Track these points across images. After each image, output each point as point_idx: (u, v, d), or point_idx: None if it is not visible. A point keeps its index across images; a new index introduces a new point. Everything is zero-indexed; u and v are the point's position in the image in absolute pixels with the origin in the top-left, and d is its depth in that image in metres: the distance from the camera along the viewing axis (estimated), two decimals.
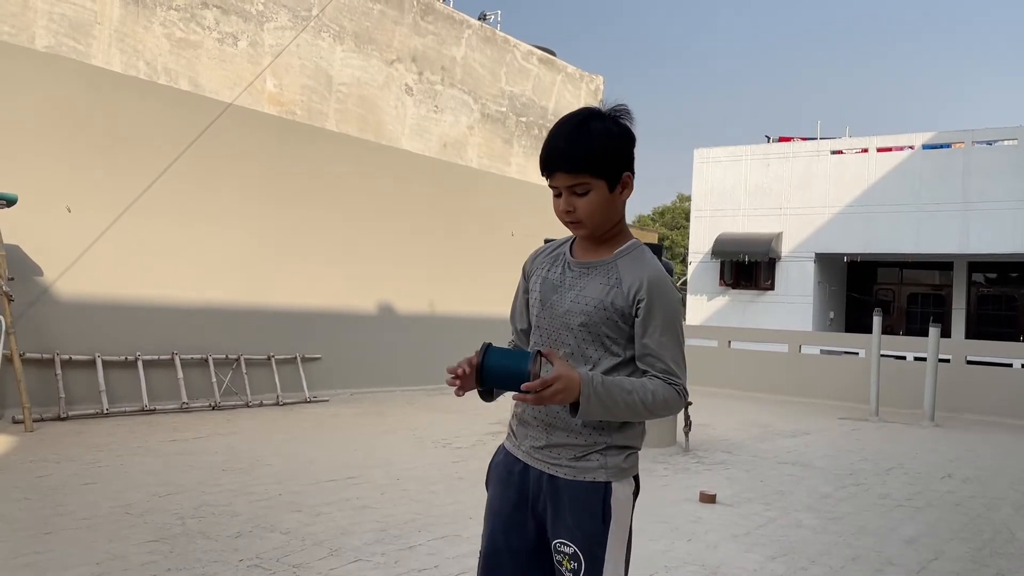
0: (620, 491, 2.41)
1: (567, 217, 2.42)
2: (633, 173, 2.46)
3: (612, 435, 2.41)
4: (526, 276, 2.64)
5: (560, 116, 15.72)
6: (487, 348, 2.27)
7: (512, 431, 2.59)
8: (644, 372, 2.38)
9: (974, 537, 6.15)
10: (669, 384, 2.36)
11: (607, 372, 2.38)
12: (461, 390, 2.35)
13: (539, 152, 2.47)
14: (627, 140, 2.44)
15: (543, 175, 2.43)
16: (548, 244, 2.65)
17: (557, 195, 2.42)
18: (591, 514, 2.37)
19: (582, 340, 2.41)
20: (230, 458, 7.72)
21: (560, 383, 2.20)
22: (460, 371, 2.31)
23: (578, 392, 2.23)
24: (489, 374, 2.25)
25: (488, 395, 2.48)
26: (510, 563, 2.48)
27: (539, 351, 2.27)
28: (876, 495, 7.46)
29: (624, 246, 2.48)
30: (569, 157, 2.36)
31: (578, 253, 2.53)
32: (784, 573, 5.01)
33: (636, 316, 2.38)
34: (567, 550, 2.37)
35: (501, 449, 2.63)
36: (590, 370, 2.37)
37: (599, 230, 2.45)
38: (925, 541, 5.94)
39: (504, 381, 2.25)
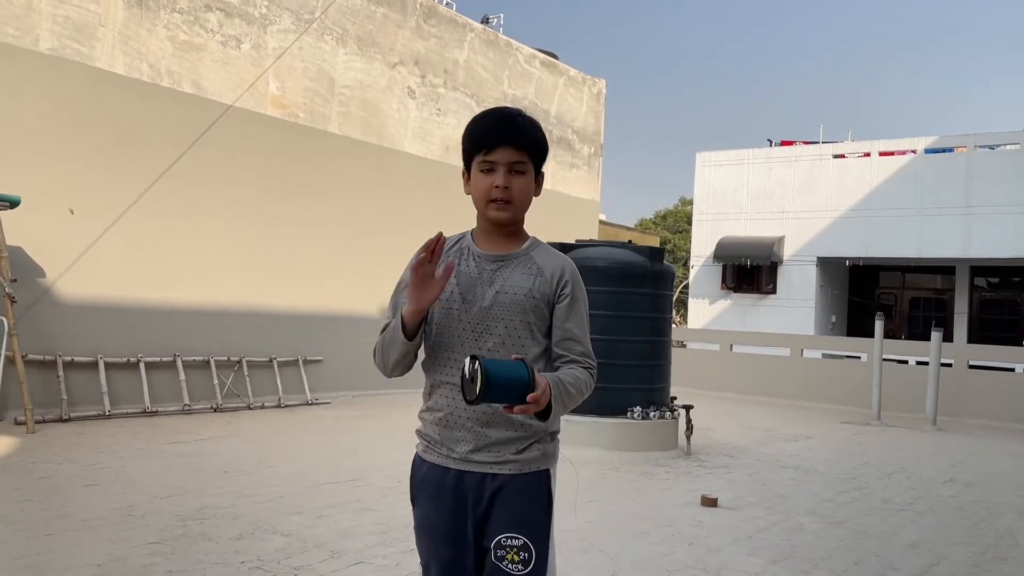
0: (554, 475, 2.51)
1: (501, 194, 2.42)
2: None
3: (548, 422, 2.47)
4: None
5: (562, 119, 15.57)
6: (484, 363, 2.12)
7: (431, 441, 2.49)
8: (560, 355, 2.46)
9: (976, 542, 6.13)
10: (587, 368, 2.47)
11: (536, 359, 2.44)
12: (429, 265, 2.29)
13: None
14: (548, 145, 2.56)
15: (480, 149, 2.43)
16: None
17: (488, 171, 2.43)
18: (538, 503, 2.45)
19: (512, 328, 2.43)
20: (232, 460, 7.72)
21: (548, 387, 2.22)
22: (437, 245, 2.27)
23: (550, 396, 2.25)
24: (492, 389, 2.11)
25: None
26: (465, 572, 2.46)
27: (521, 359, 2.24)
28: (878, 499, 7.44)
29: (529, 241, 2.56)
30: (519, 133, 2.43)
31: (486, 247, 2.52)
32: None
33: (559, 302, 2.48)
34: (515, 543, 2.38)
35: (422, 463, 2.52)
36: (522, 359, 2.35)
37: (518, 216, 2.51)
38: (927, 546, 5.93)
39: (505, 394, 2.14)
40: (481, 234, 2.55)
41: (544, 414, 2.31)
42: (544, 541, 2.44)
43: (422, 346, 2.50)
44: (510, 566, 2.37)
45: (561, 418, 2.55)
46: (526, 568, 2.38)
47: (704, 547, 5.55)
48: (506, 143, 2.41)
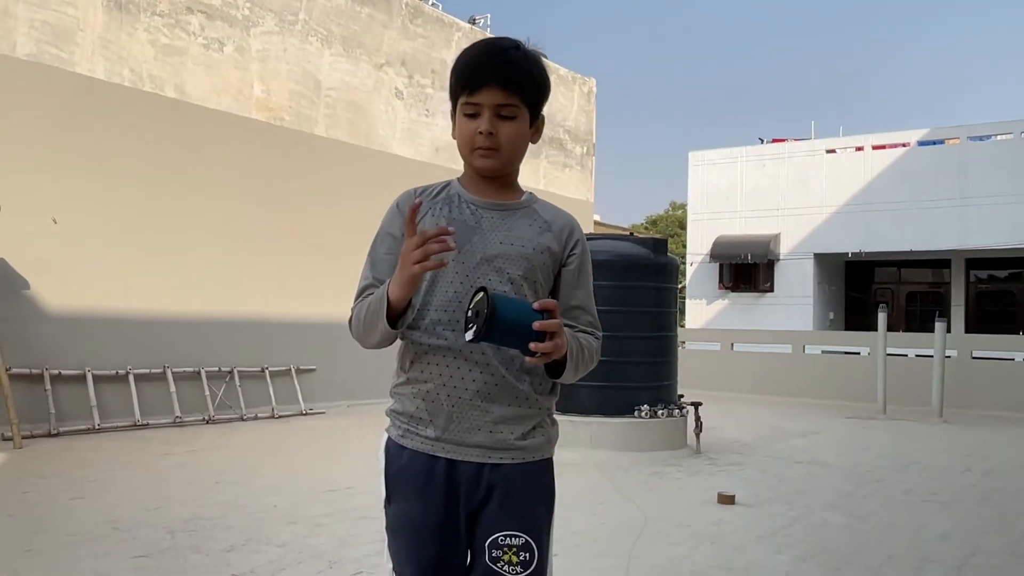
0: (554, 463, 2.19)
1: (486, 141, 2.05)
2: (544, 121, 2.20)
3: (550, 399, 2.15)
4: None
5: (553, 119, 15.30)
6: (495, 296, 1.81)
7: (413, 420, 2.10)
8: (567, 325, 2.05)
9: (1009, 530, 5.81)
10: (597, 339, 2.17)
11: None
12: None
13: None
14: (549, 82, 2.16)
15: (464, 90, 2.06)
16: (423, 187, 2.20)
17: (472, 115, 2.06)
18: (542, 497, 2.13)
19: (518, 287, 2.05)
20: (223, 471, 7.37)
21: (560, 336, 1.89)
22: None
23: (564, 349, 1.93)
24: (499, 323, 1.79)
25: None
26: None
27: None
28: (899, 491, 7.12)
29: (527, 194, 2.21)
30: (508, 73, 2.04)
31: (479, 195, 2.14)
32: (819, 575, 4.66)
33: (567, 264, 2.16)
34: (516, 541, 2.02)
35: (400, 451, 2.11)
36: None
37: (508, 167, 2.13)
38: (959, 536, 5.60)
39: (511, 331, 1.83)
40: (470, 181, 2.17)
41: (558, 369, 2.00)
42: (546, 540, 2.09)
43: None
44: (507, 568, 2.02)
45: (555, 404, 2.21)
46: (526, 570, 2.03)
47: (727, 546, 5.20)
48: (492, 83, 2.02)
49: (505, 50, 2.07)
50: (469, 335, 1.82)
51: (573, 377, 2.07)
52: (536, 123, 2.14)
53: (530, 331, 1.82)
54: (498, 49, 2.08)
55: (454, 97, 2.12)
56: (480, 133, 2.05)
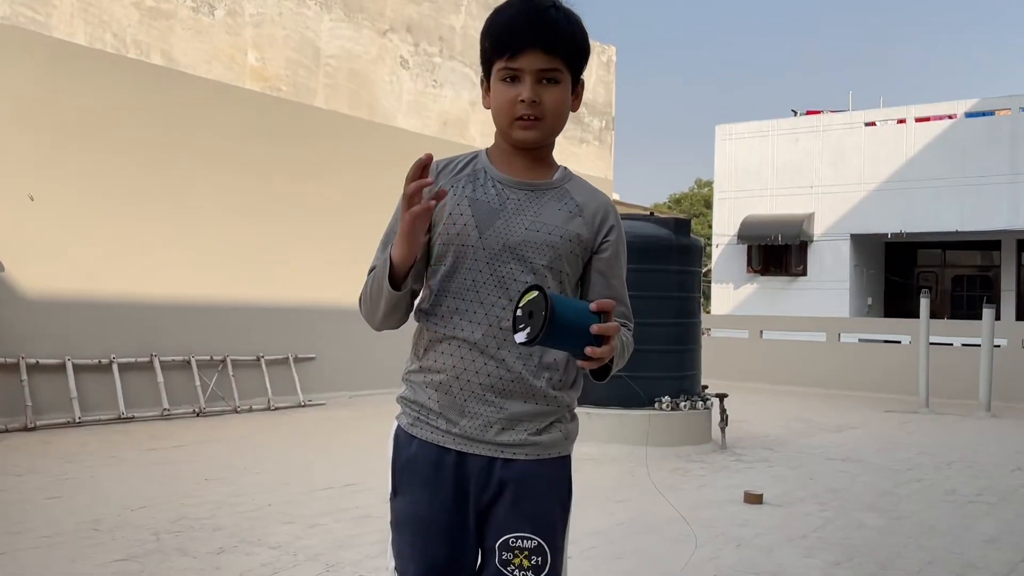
0: (571, 461, 2.17)
1: (529, 110, 2.01)
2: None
3: (571, 395, 2.13)
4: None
5: None
6: (553, 297, 1.75)
7: (424, 410, 2.10)
8: None
9: None
10: (630, 331, 2.15)
11: None
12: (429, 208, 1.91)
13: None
14: (589, 44, 2.13)
15: (501, 53, 2.03)
16: (448, 160, 2.19)
17: (511, 80, 2.03)
18: (557, 496, 2.10)
19: (541, 277, 2.03)
20: (214, 467, 7.37)
21: (615, 339, 1.84)
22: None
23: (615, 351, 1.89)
24: (556, 330, 1.74)
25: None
26: None
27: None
28: (942, 491, 7.07)
29: (560, 170, 2.17)
30: (550, 34, 2.01)
31: (508, 171, 2.12)
32: None
33: (600, 252, 2.14)
34: (527, 544, 2.01)
35: (409, 440, 2.13)
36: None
37: (550, 136, 2.11)
38: (1008, 540, 5.55)
39: (567, 336, 1.78)
40: (500, 155, 2.15)
41: (603, 372, 1.97)
42: (561, 543, 2.06)
43: (420, 291, 2.13)
44: (517, 572, 2.00)
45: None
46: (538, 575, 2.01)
47: (754, 548, 5.18)
48: (534, 46, 1.99)
49: (544, 9, 2.03)
50: (521, 337, 1.77)
51: (611, 375, 2.05)
52: (577, 89, 2.13)
53: (587, 334, 1.78)
54: (537, 9, 2.03)
55: (488, 63, 2.09)
56: (522, 101, 2.02)
